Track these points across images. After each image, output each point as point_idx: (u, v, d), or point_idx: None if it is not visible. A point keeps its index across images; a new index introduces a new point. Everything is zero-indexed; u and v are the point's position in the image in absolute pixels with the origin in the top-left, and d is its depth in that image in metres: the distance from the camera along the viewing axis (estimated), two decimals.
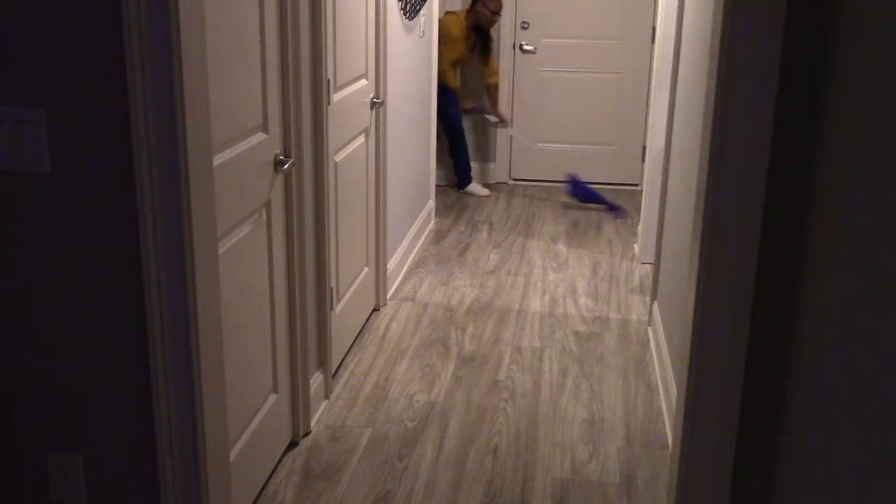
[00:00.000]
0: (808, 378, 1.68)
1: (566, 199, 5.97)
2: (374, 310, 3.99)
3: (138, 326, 1.89)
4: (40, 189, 1.83)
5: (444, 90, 5.70)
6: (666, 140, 3.75)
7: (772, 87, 1.78)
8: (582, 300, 4.23)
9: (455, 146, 6.03)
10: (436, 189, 6.23)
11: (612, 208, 5.73)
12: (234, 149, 2.22)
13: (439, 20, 5.57)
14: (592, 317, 4.02)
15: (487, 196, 6.05)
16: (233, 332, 2.27)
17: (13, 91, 1.78)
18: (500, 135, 6.35)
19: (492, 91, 6.11)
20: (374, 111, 3.69)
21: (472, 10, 5.82)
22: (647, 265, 4.66)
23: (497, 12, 5.83)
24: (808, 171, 1.76)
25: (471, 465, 2.79)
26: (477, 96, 6.18)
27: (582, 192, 5.85)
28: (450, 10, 5.94)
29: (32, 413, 1.98)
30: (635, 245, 5.01)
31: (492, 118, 6.13)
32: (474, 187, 6.10)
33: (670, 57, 4.09)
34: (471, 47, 5.91)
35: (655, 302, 3.82)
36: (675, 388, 2.94)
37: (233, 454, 2.32)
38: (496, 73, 6.11)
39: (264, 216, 2.48)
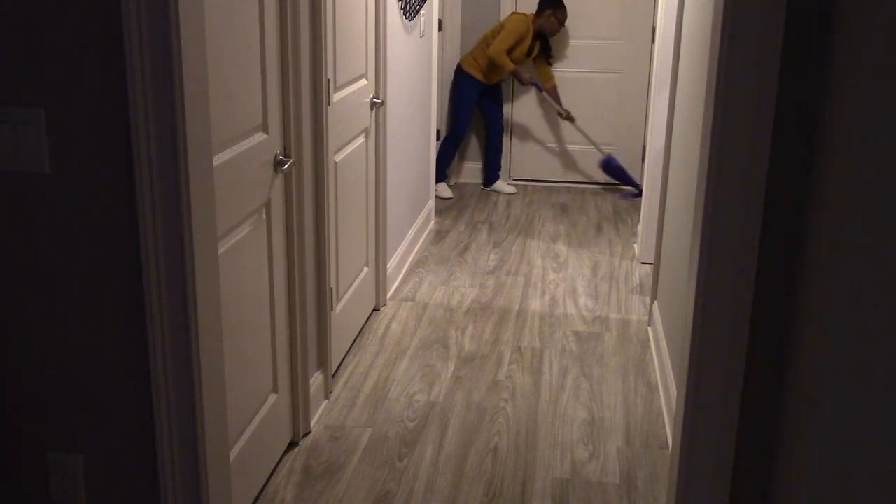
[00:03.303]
0: (808, 378, 1.67)
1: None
2: (374, 310, 3.99)
3: (138, 326, 1.88)
4: (40, 189, 1.83)
5: (481, 89, 5.91)
6: (666, 140, 3.75)
7: (772, 87, 1.78)
8: (582, 300, 4.23)
9: (490, 143, 6.18)
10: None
11: (639, 191, 6.06)
12: (234, 149, 2.22)
13: (506, 19, 5.85)
14: (592, 317, 4.02)
15: (514, 193, 6.19)
16: (233, 332, 2.27)
17: (13, 91, 1.78)
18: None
19: (552, 93, 6.14)
20: (374, 111, 3.69)
21: (539, 16, 5.86)
22: (647, 265, 4.66)
23: (563, 23, 5.93)
24: (808, 171, 1.76)
25: (471, 465, 2.79)
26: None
27: (615, 169, 6.20)
28: (517, 10, 6.06)
29: (32, 413, 1.98)
30: (635, 245, 5.01)
31: (561, 110, 6.16)
32: (501, 185, 6.23)
33: (670, 57, 4.08)
34: (530, 52, 5.94)
35: (655, 302, 3.82)
36: (675, 388, 2.94)
37: (233, 454, 2.32)
38: (553, 78, 6.15)
39: (264, 216, 2.48)
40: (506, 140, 6.39)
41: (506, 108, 6.33)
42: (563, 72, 6.26)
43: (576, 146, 6.37)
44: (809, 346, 1.68)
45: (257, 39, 2.33)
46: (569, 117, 6.15)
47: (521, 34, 5.79)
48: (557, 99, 6.16)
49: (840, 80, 1.60)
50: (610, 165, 6.23)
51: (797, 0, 1.74)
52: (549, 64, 6.15)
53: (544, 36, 5.97)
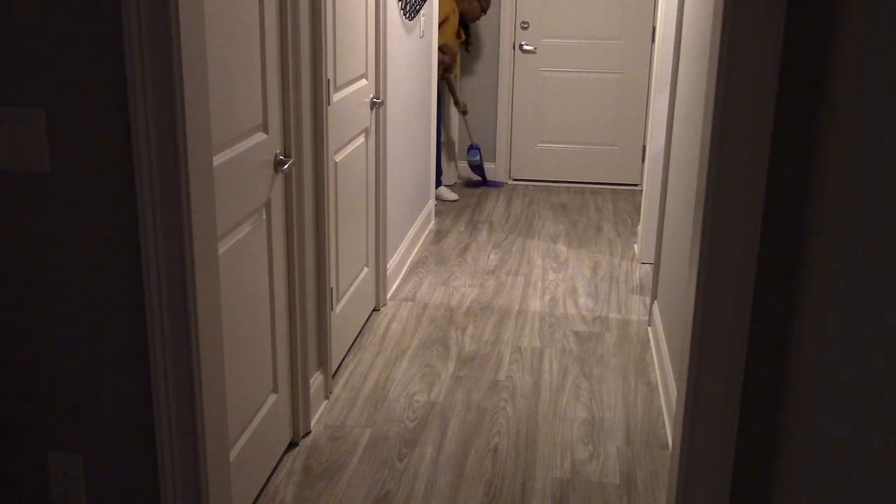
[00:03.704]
0: (808, 378, 1.67)
1: (563, 196, 5.99)
2: (374, 310, 3.99)
3: (138, 326, 1.89)
4: (40, 189, 1.83)
5: None
6: (666, 140, 3.75)
7: (772, 87, 1.78)
8: (582, 300, 4.23)
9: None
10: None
11: (488, 183, 6.33)
12: (234, 149, 2.22)
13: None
14: (592, 317, 4.02)
15: (456, 201, 5.92)
16: (233, 332, 2.27)
17: (13, 91, 1.78)
18: (501, 134, 6.35)
19: (450, 82, 6.01)
20: (374, 111, 3.69)
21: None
22: (647, 265, 4.66)
23: (485, 10, 5.86)
24: (808, 171, 1.76)
25: (471, 465, 2.79)
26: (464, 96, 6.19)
27: (476, 162, 6.21)
28: None
29: (32, 413, 1.98)
30: (635, 245, 5.01)
31: (457, 100, 6.10)
32: (443, 190, 5.95)
33: (670, 57, 4.09)
34: (458, 34, 5.86)
35: (655, 302, 3.82)
36: (675, 388, 2.94)
37: (233, 454, 2.32)
38: (456, 69, 6.09)
39: (264, 216, 2.48)
40: (506, 140, 6.38)
41: (507, 107, 6.33)
42: (563, 72, 6.26)
43: (576, 146, 6.37)
44: (809, 345, 1.68)
45: (257, 39, 2.33)
46: (464, 111, 6.13)
47: (447, 13, 5.63)
48: (454, 90, 6.05)
49: (840, 80, 1.60)
50: (473, 157, 6.19)
51: (797, 0, 1.74)
52: (467, 51, 6.14)
53: (465, 22, 5.87)
